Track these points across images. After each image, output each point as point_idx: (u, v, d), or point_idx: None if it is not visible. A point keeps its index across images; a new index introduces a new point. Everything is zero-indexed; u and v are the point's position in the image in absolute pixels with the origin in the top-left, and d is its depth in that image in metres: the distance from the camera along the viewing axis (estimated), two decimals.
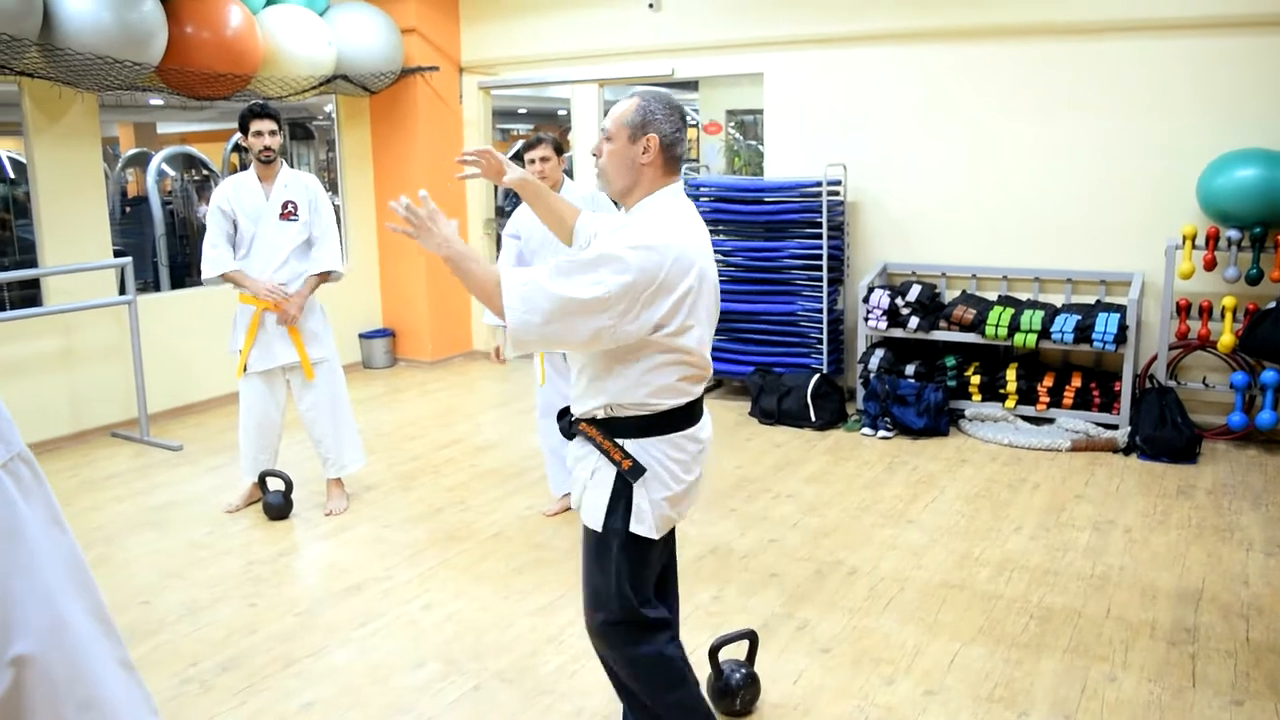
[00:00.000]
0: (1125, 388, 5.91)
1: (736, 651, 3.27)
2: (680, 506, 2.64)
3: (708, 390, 7.29)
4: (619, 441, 2.55)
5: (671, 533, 2.79)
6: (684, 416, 2.57)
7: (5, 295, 7.91)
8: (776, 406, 6.46)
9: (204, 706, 3.33)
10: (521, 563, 4.39)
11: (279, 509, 5.00)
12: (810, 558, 4.42)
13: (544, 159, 4.61)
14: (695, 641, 3.65)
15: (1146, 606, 3.91)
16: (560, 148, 4.71)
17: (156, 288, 8.81)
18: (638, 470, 2.54)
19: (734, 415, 6.73)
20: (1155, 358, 5.98)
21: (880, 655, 3.57)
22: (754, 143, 9.17)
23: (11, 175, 9.24)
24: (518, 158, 4.96)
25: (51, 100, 6.20)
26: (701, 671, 3.31)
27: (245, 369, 5.01)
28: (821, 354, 6.72)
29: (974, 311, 6.19)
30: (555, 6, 7.78)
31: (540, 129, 7.19)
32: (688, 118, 2.66)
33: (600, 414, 2.57)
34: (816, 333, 6.76)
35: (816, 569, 4.30)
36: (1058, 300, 6.34)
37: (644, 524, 2.56)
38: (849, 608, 3.94)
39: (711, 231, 7.10)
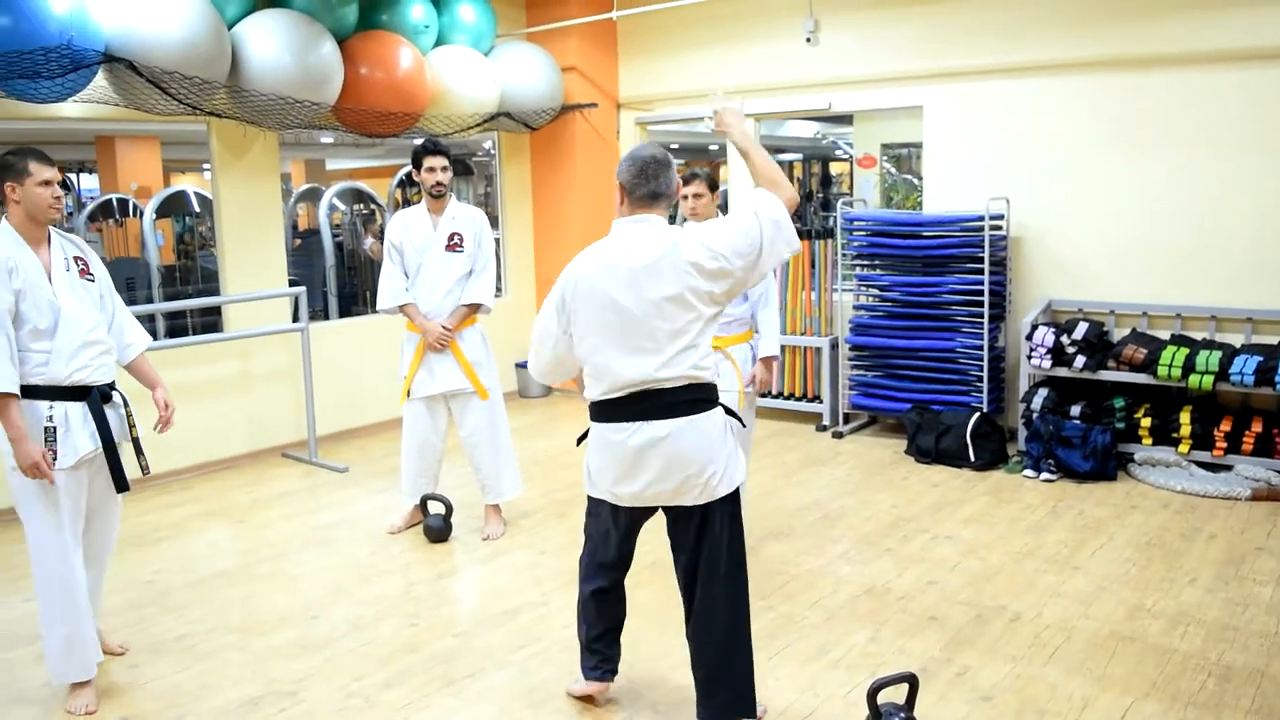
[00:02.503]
0: None
1: (895, 695, 3.19)
2: (603, 481, 3.19)
3: (862, 426, 7.24)
4: None
5: (638, 518, 3.29)
6: (598, 410, 3.15)
7: (189, 321, 8.40)
8: (934, 445, 6.32)
9: None
10: (677, 593, 4.37)
11: (439, 532, 5.14)
12: (971, 602, 4.29)
13: (697, 195, 4.47)
14: (852, 681, 3.60)
15: None
16: (714, 184, 4.62)
17: (326, 316, 9.20)
18: (582, 437, 3.29)
19: (889, 453, 6.61)
20: None
21: (1045, 706, 3.44)
22: (909, 176, 9.05)
23: (197, 209, 9.83)
24: None
25: (236, 139, 6.58)
26: (859, 712, 3.26)
27: (409, 394, 5.18)
28: (981, 392, 6.55)
29: (1145, 351, 5.94)
30: (712, 42, 7.86)
31: (691, 164, 7.26)
32: (660, 162, 3.09)
33: None
34: (976, 370, 6.59)
35: (977, 614, 4.17)
36: (1236, 340, 6.02)
37: (586, 477, 3.27)
38: (1012, 655, 3.81)
39: (867, 266, 7.14)
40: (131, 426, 3.68)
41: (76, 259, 3.58)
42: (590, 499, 3.34)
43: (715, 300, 3.05)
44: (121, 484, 3.61)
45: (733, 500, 3.20)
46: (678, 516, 3.19)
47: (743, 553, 3.26)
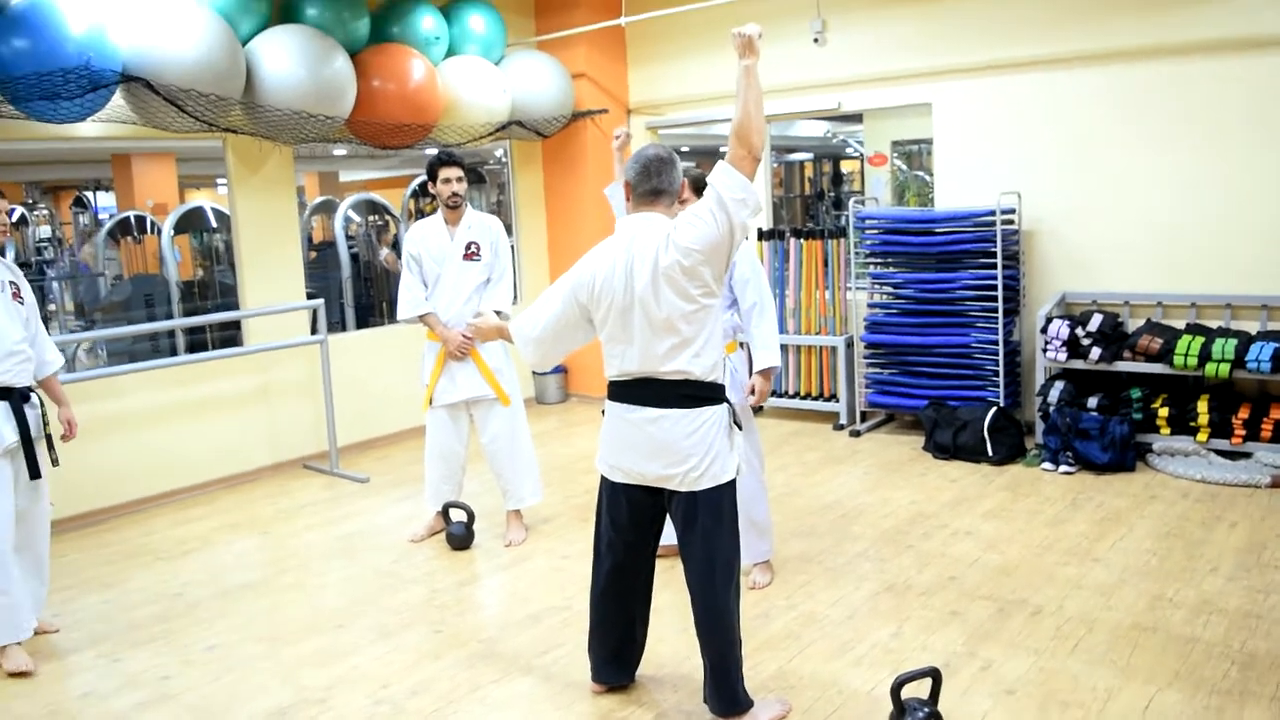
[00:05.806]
0: None
1: (919, 690, 3.22)
2: (605, 452, 3.41)
3: (879, 424, 7.26)
4: None
5: (635, 502, 3.39)
6: (611, 389, 3.38)
7: (209, 336, 8.46)
8: (952, 441, 6.33)
9: None
10: None
11: (461, 539, 5.18)
12: (992, 596, 4.31)
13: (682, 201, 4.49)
14: (875, 678, 3.62)
15: None
16: (700, 186, 4.56)
17: (343, 328, 9.25)
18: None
19: (907, 450, 6.62)
20: None
21: (1069, 698, 3.45)
22: (920, 173, 9.04)
23: (214, 225, 9.90)
24: None
25: (252, 154, 6.64)
26: (883, 708, 3.28)
27: (431, 402, 5.23)
28: (998, 387, 6.56)
29: (1160, 340, 5.94)
30: (720, 46, 7.87)
31: (702, 165, 7.26)
32: (663, 160, 3.31)
33: None
34: (992, 365, 6.60)
35: (999, 608, 4.19)
36: (1252, 327, 6.02)
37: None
38: (1034, 648, 3.82)
39: (880, 264, 7.16)
40: (45, 424, 4.30)
41: (10, 283, 4.19)
42: (600, 480, 3.53)
43: (708, 289, 3.18)
44: (34, 471, 4.18)
45: (718, 496, 3.27)
46: (673, 505, 3.34)
47: (729, 549, 3.31)
